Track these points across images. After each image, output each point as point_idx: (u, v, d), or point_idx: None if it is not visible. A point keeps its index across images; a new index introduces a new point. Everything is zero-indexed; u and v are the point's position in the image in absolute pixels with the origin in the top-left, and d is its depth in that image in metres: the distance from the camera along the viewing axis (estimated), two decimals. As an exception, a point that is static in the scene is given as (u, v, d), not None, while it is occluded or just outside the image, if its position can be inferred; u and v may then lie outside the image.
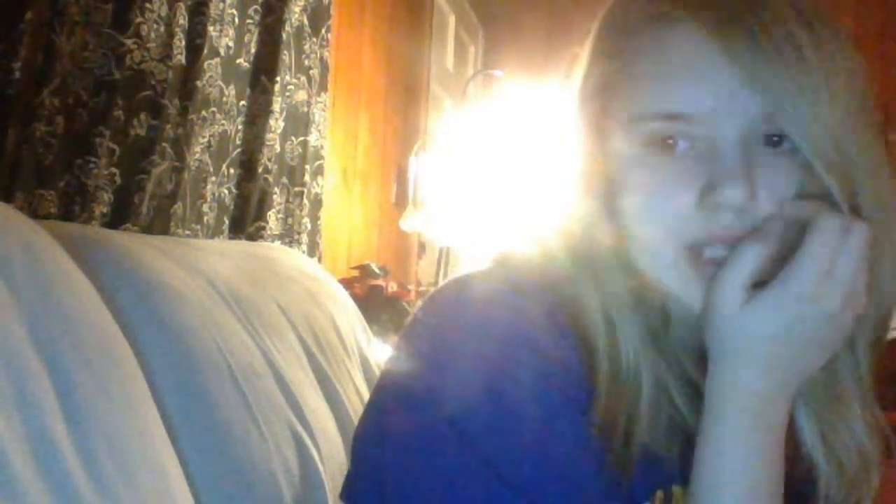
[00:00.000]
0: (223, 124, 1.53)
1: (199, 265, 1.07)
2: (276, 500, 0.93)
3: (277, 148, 1.70)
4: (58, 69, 1.13)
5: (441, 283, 0.71)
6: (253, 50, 1.63)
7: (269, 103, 1.65)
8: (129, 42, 1.22)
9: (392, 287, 2.33)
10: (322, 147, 1.91)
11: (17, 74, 1.08)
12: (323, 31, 1.87)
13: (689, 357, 0.68)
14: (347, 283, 1.88)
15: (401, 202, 2.45)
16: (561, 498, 0.59)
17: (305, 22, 1.79)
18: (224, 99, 1.52)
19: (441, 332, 0.65)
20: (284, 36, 1.68)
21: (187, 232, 1.42)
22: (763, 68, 0.59)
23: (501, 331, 0.62)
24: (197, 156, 1.43)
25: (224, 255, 1.21)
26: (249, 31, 1.61)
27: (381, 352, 1.54)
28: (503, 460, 0.59)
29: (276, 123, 1.68)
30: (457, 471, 0.60)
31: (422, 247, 2.62)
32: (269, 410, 0.99)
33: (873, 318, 0.65)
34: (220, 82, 1.49)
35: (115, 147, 1.22)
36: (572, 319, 0.64)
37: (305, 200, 1.83)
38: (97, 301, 0.78)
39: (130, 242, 0.99)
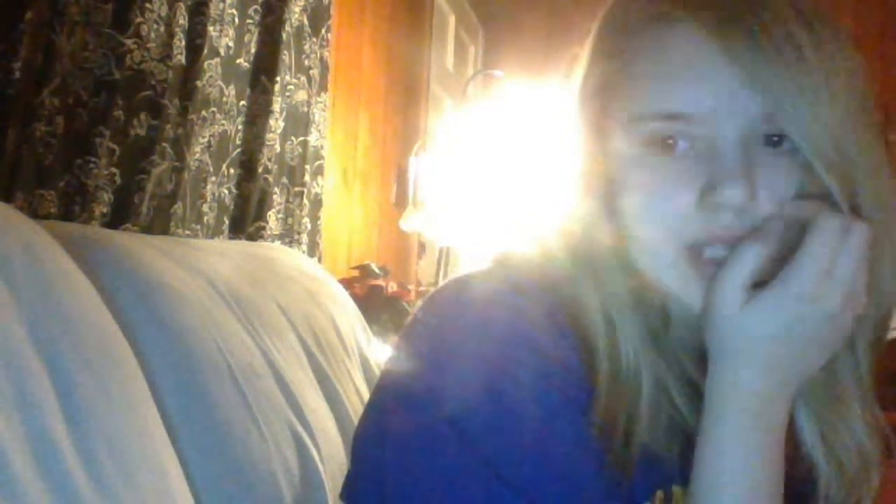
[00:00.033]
0: (223, 124, 1.53)
1: (199, 265, 1.07)
2: (276, 500, 0.93)
3: (277, 148, 1.70)
4: (58, 69, 1.13)
5: (441, 283, 0.71)
6: (253, 50, 1.63)
7: (269, 103, 1.65)
8: (129, 42, 1.22)
9: (392, 287, 2.33)
10: (322, 147, 1.91)
11: (17, 74, 1.08)
12: (323, 31, 1.87)
13: (689, 357, 0.68)
14: (347, 283, 1.87)
15: (401, 202, 2.45)
16: (561, 498, 0.59)
17: (305, 22, 1.79)
18: (224, 99, 1.52)
19: (441, 332, 0.65)
20: (284, 36, 1.68)
21: (187, 232, 1.42)
22: (763, 68, 0.59)
23: (501, 331, 0.62)
24: (197, 156, 1.43)
25: (224, 255, 1.21)
26: (249, 31, 1.61)
27: (381, 352, 1.54)
28: (503, 460, 0.59)
29: (276, 123, 1.68)
30: (457, 471, 0.60)
31: (422, 247, 2.62)
32: (269, 410, 0.99)
33: (873, 318, 0.65)
34: (220, 82, 1.49)
35: (115, 147, 1.22)
36: (572, 319, 0.64)
37: (305, 200, 1.83)
38: (97, 301, 0.78)
39: (130, 242, 0.99)
